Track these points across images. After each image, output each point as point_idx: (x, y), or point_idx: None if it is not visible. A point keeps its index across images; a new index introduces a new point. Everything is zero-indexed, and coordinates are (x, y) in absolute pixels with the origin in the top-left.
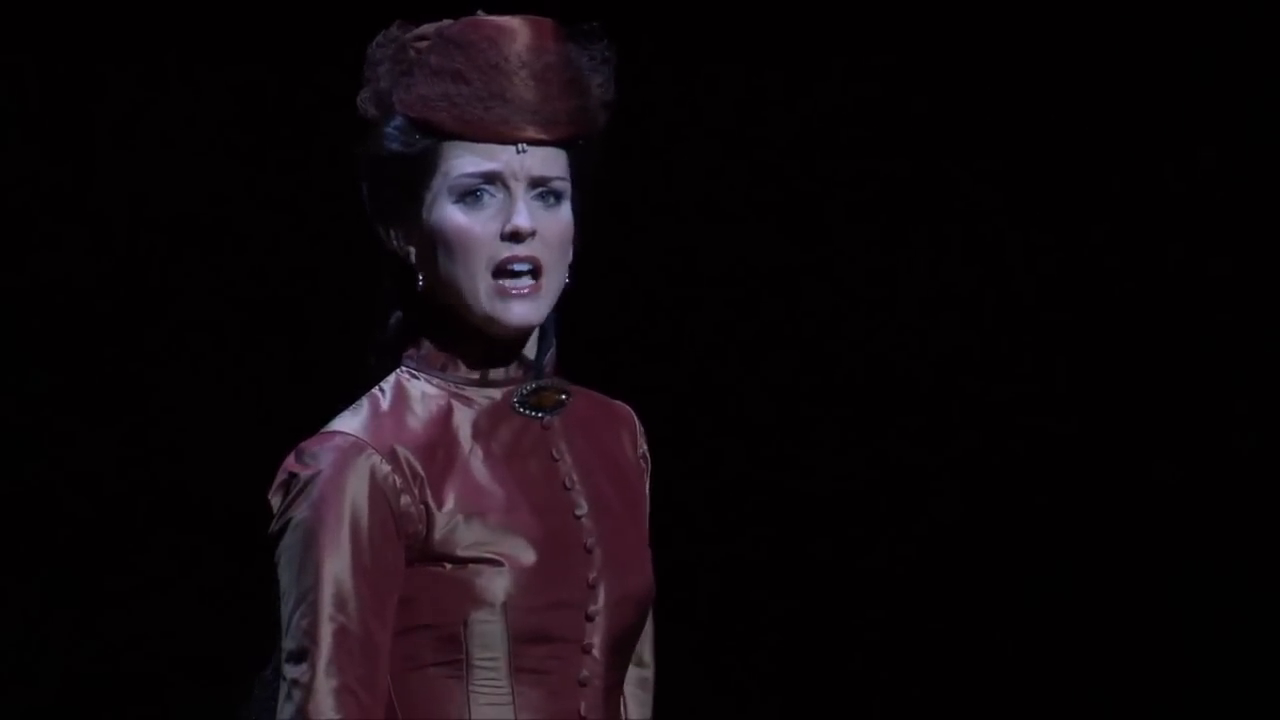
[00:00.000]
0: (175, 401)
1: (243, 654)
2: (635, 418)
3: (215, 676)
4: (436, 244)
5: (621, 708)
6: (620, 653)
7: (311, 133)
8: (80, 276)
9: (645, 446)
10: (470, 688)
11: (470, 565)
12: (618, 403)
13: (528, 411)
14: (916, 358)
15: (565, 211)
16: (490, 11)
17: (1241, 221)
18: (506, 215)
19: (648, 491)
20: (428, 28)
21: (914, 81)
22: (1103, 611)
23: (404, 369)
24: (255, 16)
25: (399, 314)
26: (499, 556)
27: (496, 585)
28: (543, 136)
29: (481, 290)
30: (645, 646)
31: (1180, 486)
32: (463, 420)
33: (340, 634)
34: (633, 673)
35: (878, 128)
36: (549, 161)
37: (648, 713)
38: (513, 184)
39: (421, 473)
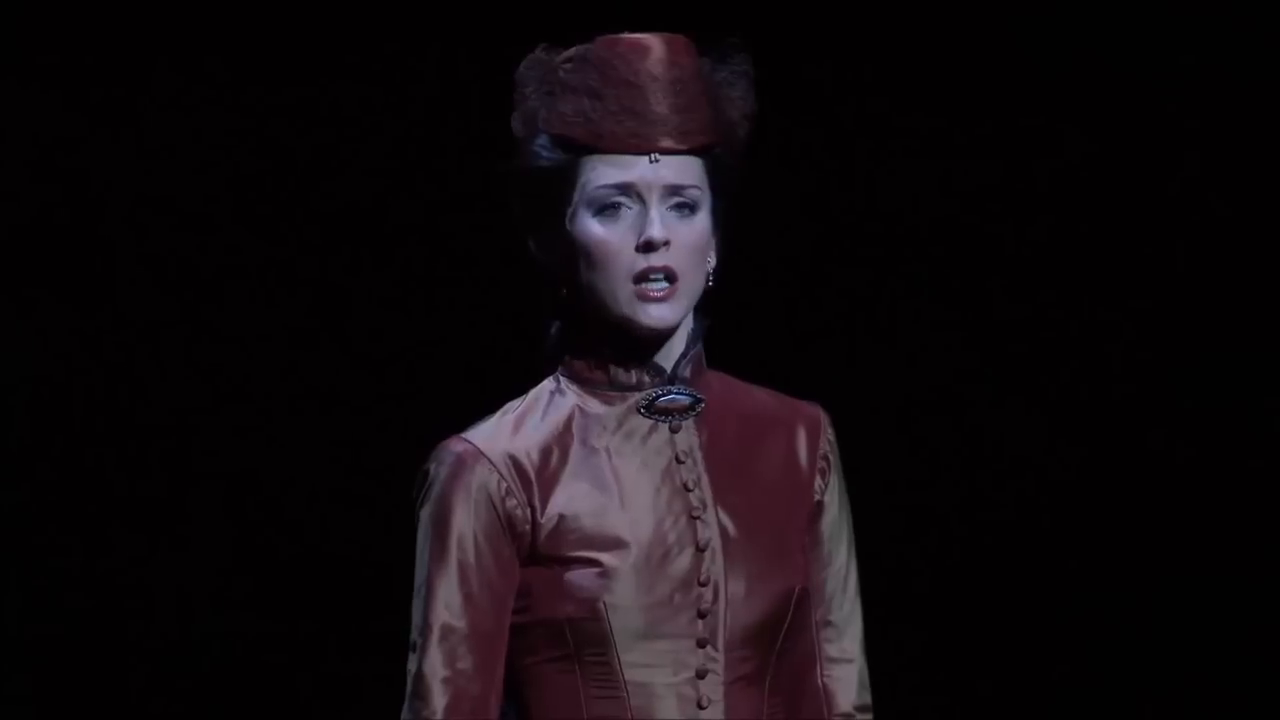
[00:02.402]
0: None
1: None
2: (822, 417)
3: None
4: (578, 255)
5: (822, 696)
6: (751, 645)
7: (462, 145)
8: (246, 275)
9: (829, 447)
10: (584, 682)
11: (572, 566)
12: (803, 403)
13: (656, 416)
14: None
15: (700, 220)
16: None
17: None
18: (641, 227)
19: (823, 491)
20: (573, 50)
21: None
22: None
23: (555, 374)
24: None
25: (557, 323)
26: (598, 557)
27: (596, 585)
28: (674, 146)
29: (621, 297)
30: (846, 636)
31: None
32: (587, 424)
33: (444, 629)
34: (833, 664)
35: None
36: (682, 170)
37: (854, 697)
38: (647, 194)
39: (533, 477)
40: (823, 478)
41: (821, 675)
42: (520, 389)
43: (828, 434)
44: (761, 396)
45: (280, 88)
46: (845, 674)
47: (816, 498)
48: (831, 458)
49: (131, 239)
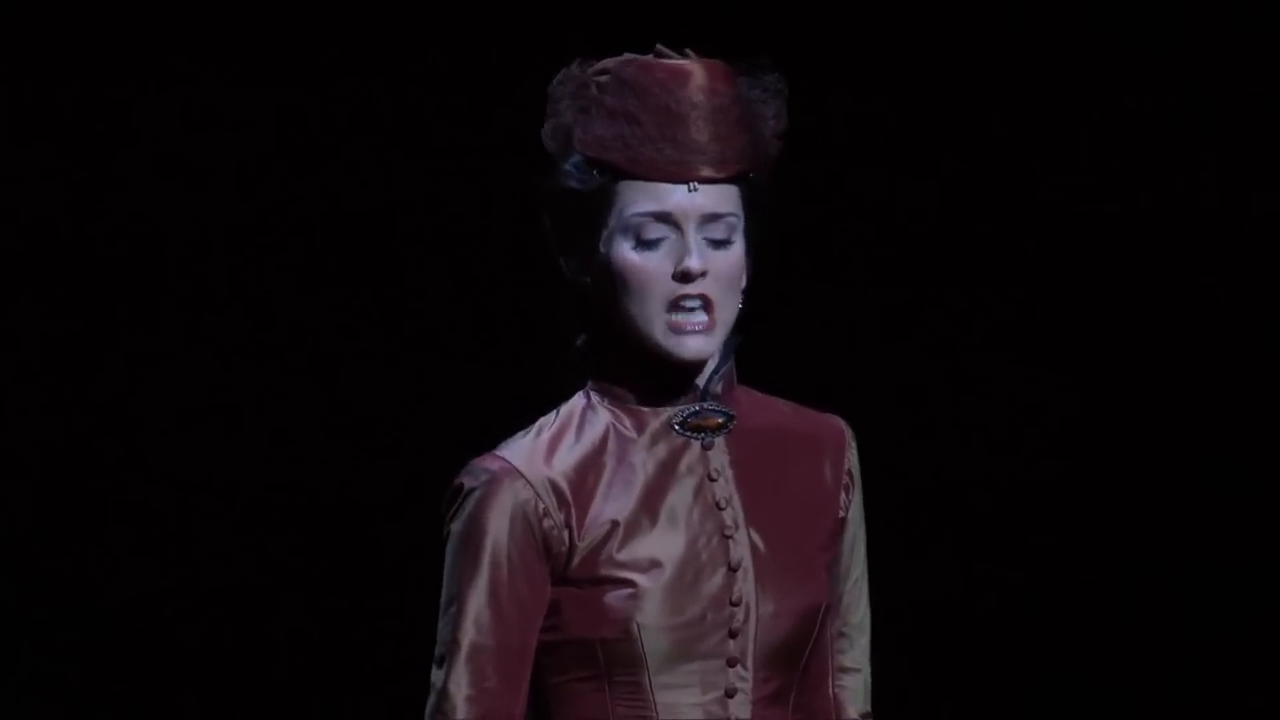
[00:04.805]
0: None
1: None
2: (845, 432)
3: None
4: (612, 279)
5: (833, 706)
6: (778, 663)
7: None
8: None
9: (853, 462)
10: (613, 702)
11: (606, 587)
12: (827, 416)
13: (687, 433)
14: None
15: (736, 249)
16: (666, 46)
17: None
18: (678, 256)
19: (847, 508)
20: (608, 62)
21: None
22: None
23: (585, 390)
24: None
25: (584, 336)
26: (632, 578)
27: (629, 605)
28: (713, 174)
29: (656, 326)
30: (857, 648)
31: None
32: (621, 443)
33: (473, 648)
34: (844, 675)
35: None
36: (720, 199)
37: (861, 705)
38: (684, 223)
39: (569, 497)
40: (847, 494)
41: (833, 685)
42: (547, 404)
43: (851, 449)
44: (786, 410)
45: (293, 89)
46: (854, 683)
47: (840, 514)
48: (855, 473)
49: (179, 257)
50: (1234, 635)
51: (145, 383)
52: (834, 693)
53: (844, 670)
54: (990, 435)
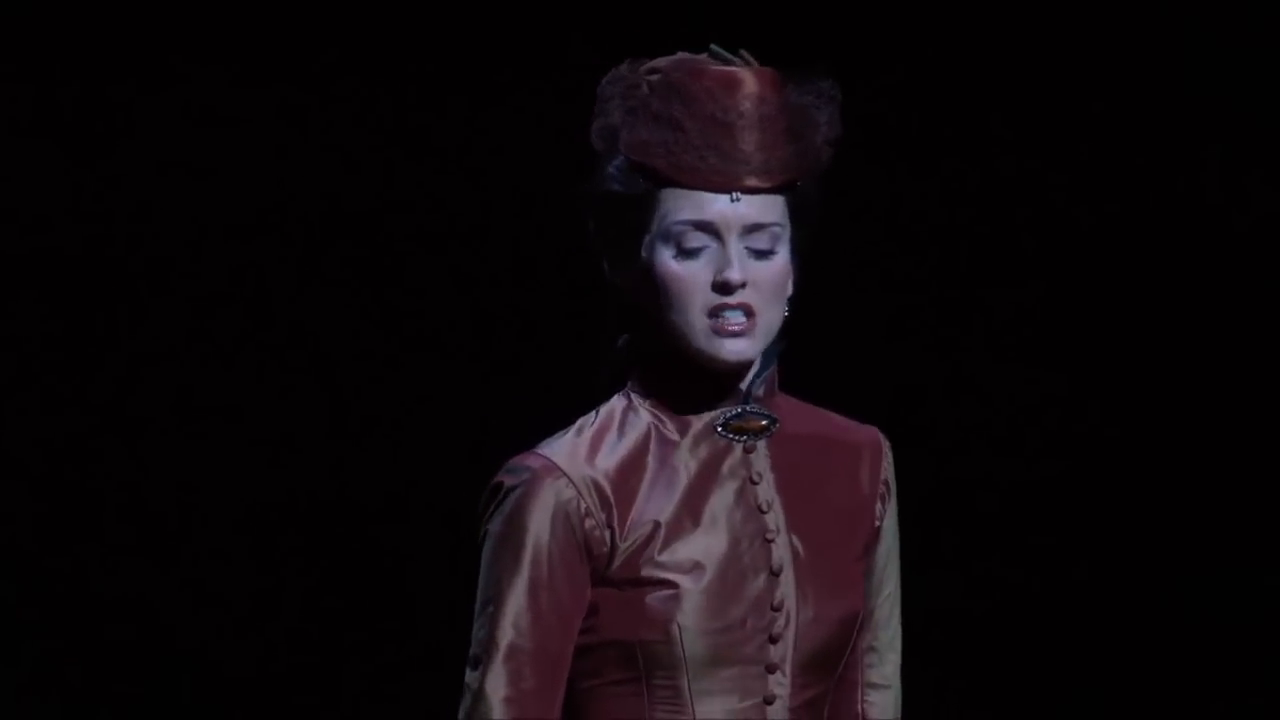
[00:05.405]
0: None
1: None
2: (882, 442)
3: None
4: (654, 285)
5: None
6: (815, 671)
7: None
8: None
9: (889, 472)
10: (650, 706)
11: (647, 588)
12: (865, 426)
13: (730, 435)
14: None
15: (779, 259)
16: (716, 46)
17: None
18: (719, 265)
19: (882, 517)
20: (660, 61)
21: None
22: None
23: (625, 391)
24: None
25: (626, 336)
26: (674, 580)
27: (670, 609)
28: (758, 184)
29: (698, 330)
30: (888, 663)
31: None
32: (664, 445)
33: (511, 649)
34: (873, 690)
35: None
36: (765, 208)
37: (889, 715)
38: (726, 233)
39: (611, 498)
40: (883, 503)
41: (861, 700)
42: (585, 404)
43: (888, 459)
44: (826, 418)
45: (293, 89)
46: (882, 700)
47: (876, 523)
48: (891, 483)
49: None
50: (1234, 635)
51: (145, 383)
52: (862, 708)
53: (872, 686)
54: (991, 435)
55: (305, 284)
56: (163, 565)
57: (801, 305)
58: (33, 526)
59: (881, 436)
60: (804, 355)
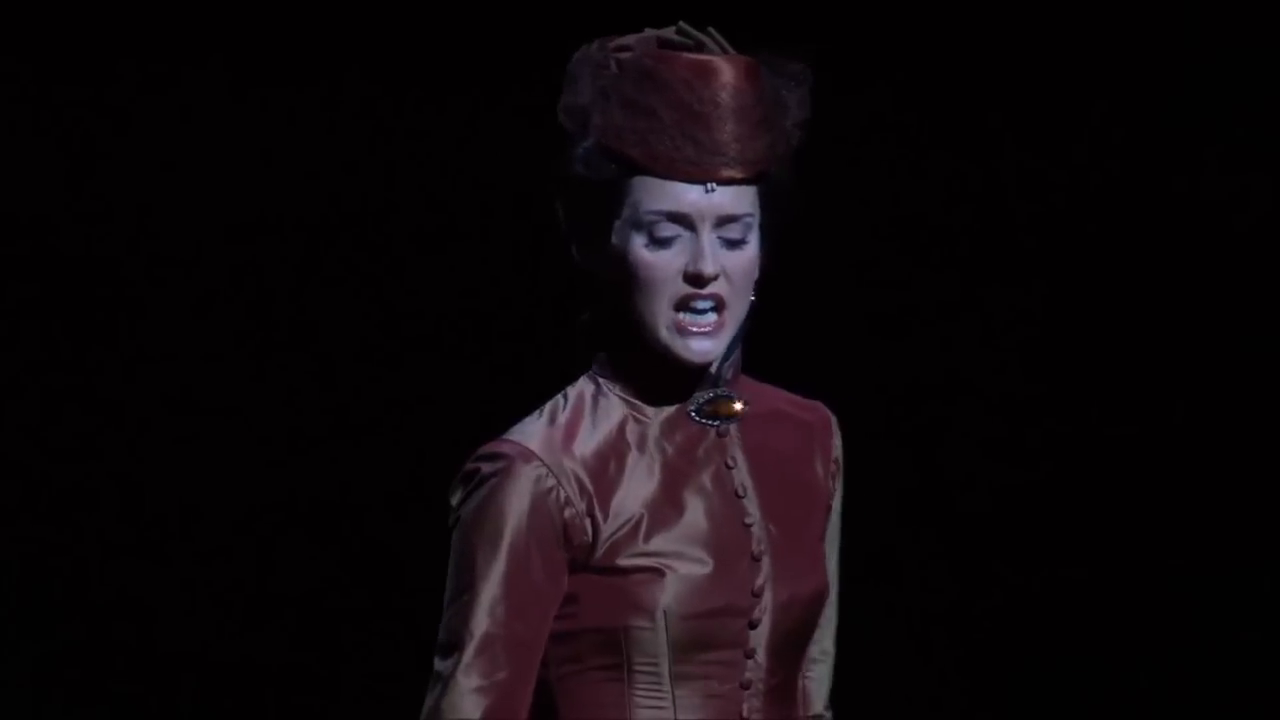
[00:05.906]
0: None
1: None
2: (831, 419)
3: None
4: (623, 272)
5: (800, 698)
6: (786, 654)
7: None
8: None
9: (839, 449)
10: (631, 691)
11: (632, 574)
12: (813, 403)
13: (704, 420)
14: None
15: (750, 249)
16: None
17: None
18: (690, 256)
19: (835, 494)
20: (630, 39)
21: None
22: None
23: (590, 374)
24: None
25: (587, 314)
26: (660, 566)
27: (657, 594)
28: (732, 175)
29: (662, 324)
30: (827, 636)
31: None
32: (638, 430)
33: (486, 637)
34: (813, 664)
35: None
36: (738, 199)
37: (825, 696)
38: (699, 224)
39: (589, 484)
40: (834, 481)
41: (802, 676)
42: (548, 386)
43: (837, 436)
44: (780, 397)
45: (293, 89)
46: (820, 673)
47: (829, 502)
48: (841, 460)
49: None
50: (1234, 635)
51: (145, 382)
52: (803, 684)
53: (813, 660)
54: (990, 435)
55: (305, 284)
56: (162, 565)
57: (801, 305)
58: (32, 526)
59: (830, 413)
60: (803, 354)
